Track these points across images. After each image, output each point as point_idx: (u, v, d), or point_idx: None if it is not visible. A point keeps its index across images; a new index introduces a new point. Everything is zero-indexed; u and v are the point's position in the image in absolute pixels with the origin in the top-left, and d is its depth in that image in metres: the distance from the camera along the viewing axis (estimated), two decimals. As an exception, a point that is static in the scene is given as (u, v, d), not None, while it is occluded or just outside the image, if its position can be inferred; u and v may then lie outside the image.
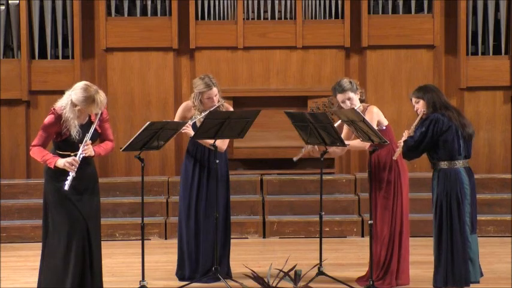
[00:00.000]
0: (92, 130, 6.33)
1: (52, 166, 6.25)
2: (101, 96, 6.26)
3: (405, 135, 6.57)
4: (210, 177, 7.47)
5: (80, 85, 6.29)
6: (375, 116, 7.10)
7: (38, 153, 6.30)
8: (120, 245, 9.10)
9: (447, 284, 6.46)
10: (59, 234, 6.35)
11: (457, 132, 6.45)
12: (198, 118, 7.36)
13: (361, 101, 7.21)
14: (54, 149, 6.40)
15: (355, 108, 7.03)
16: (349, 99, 7.12)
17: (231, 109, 7.53)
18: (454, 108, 6.55)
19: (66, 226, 6.32)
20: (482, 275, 6.58)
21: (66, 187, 6.16)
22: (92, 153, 6.35)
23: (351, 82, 7.15)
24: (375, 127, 6.91)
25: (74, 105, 6.26)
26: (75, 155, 6.26)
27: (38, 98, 10.49)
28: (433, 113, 6.47)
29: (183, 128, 7.22)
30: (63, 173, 6.24)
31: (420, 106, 6.56)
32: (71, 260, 6.32)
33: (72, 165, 6.21)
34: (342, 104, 7.15)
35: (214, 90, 7.38)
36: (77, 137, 6.30)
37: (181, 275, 7.52)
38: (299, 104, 10.47)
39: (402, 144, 6.56)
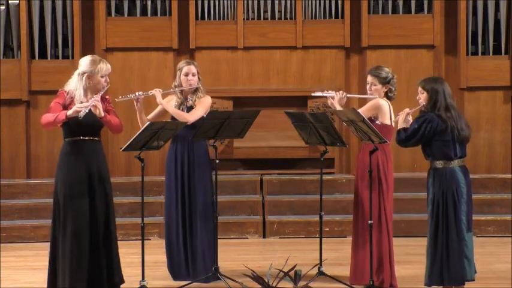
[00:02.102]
0: (100, 93, 6.43)
1: (64, 116, 6.33)
2: (107, 63, 6.54)
3: (403, 114, 6.56)
4: (192, 175, 7.48)
5: (85, 57, 6.61)
6: (373, 107, 7.07)
7: (48, 116, 6.41)
8: (120, 245, 9.04)
9: (443, 283, 6.46)
10: (67, 232, 6.39)
11: (453, 135, 6.43)
12: (174, 90, 7.50)
13: (389, 97, 7.19)
14: (65, 136, 6.49)
15: (371, 97, 7.10)
16: (373, 85, 7.15)
17: (208, 98, 7.57)
18: (454, 109, 6.51)
19: (73, 224, 6.37)
20: (476, 271, 6.59)
21: (82, 113, 6.27)
22: (102, 113, 6.41)
23: (387, 73, 7.16)
24: (366, 116, 6.93)
25: (81, 74, 6.46)
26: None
27: (38, 98, 10.49)
28: (431, 111, 6.45)
29: (152, 91, 7.39)
30: (75, 163, 6.40)
31: (423, 98, 6.54)
32: (80, 257, 6.37)
33: (83, 106, 6.32)
34: (367, 85, 7.19)
35: (192, 67, 7.51)
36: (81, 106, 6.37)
37: (172, 274, 7.53)
38: (299, 104, 10.47)
39: (399, 121, 6.59)
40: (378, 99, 7.12)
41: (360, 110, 6.96)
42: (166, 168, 7.59)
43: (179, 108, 7.49)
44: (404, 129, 6.52)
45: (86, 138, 6.47)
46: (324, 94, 7.23)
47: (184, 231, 7.49)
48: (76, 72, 6.52)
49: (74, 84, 6.48)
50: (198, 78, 7.53)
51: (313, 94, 7.36)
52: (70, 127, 6.45)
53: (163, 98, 7.48)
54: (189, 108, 7.48)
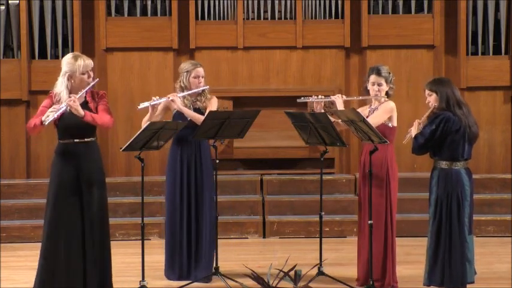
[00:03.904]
0: (83, 92, 6.39)
1: (39, 122, 6.30)
2: (86, 59, 6.46)
3: (415, 125, 6.55)
4: (199, 176, 7.48)
5: (65, 56, 6.57)
6: (389, 110, 7.06)
7: (29, 122, 6.42)
8: (120, 245, 9.10)
9: (443, 284, 6.46)
10: (55, 232, 6.39)
11: (464, 135, 6.42)
12: (185, 94, 7.46)
13: (389, 95, 7.20)
14: (58, 138, 6.49)
15: (378, 97, 7.07)
16: (379, 84, 7.12)
17: (215, 99, 7.60)
18: (465, 105, 6.50)
19: (61, 223, 6.38)
20: (475, 273, 6.60)
21: (47, 120, 6.24)
22: (81, 112, 6.32)
23: (389, 73, 7.16)
24: (383, 120, 6.93)
25: (63, 74, 6.41)
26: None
27: (38, 98, 10.47)
28: (445, 109, 6.42)
29: (170, 96, 7.33)
30: (66, 164, 6.38)
31: (432, 100, 6.51)
32: (67, 258, 6.36)
33: (52, 109, 6.29)
34: (370, 86, 7.15)
35: (201, 69, 7.52)
36: (69, 110, 6.33)
37: (169, 274, 7.52)
38: (299, 104, 10.43)
39: (412, 133, 6.55)
40: (389, 101, 7.11)
41: (375, 115, 6.98)
42: (169, 169, 7.57)
43: None
44: (421, 133, 6.47)
45: (77, 140, 6.44)
46: (313, 99, 7.20)
47: (189, 232, 7.48)
48: (60, 73, 6.49)
49: (59, 86, 6.44)
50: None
51: (298, 100, 7.30)
52: (59, 130, 6.45)
53: (176, 95, 7.46)
54: (196, 110, 7.47)
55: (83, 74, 6.41)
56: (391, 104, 7.10)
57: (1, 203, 9.78)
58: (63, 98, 6.38)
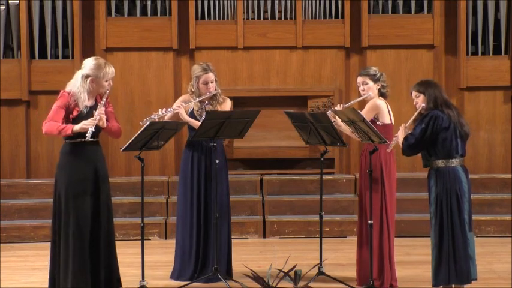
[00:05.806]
0: (103, 102, 6.44)
1: (70, 132, 6.33)
2: (111, 66, 6.57)
3: (402, 129, 6.57)
4: (208, 177, 7.47)
5: (89, 59, 6.59)
6: (373, 108, 7.07)
7: (52, 126, 6.38)
8: (120, 245, 9.06)
9: (450, 282, 6.45)
10: (69, 233, 6.40)
11: (455, 131, 6.45)
12: (195, 102, 7.42)
13: (382, 94, 7.19)
14: (66, 138, 6.47)
15: (365, 96, 7.08)
16: (364, 84, 7.14)
17: (228, 101, 7.57)
18: (454, 106, 6.55)
19: (75, 224, 6.39)
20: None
21: (89, 135, 6.31)
22: (105, 124, 6.44)
23: (375, 71, 7.17)
24: (368, 118, 6.92)
25: (85, 77, 6.45)
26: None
27: (38, 98, 10.49)
28: (433, 109, 6.46)
29: (175, 107, 7.33)
30: (77, 163, 6.41)
31: (420, 101, 6.54)
32: (83, 258, 6.38)
33: (90, 123, 6.33)
34: (358, 87, 7.18)
35: (211, 75, 7.44)
36: (85, 112, 6.39)
37: (178, 275, 7.51)
38: (299, 104, 10.47)
39: (398, 138, 6.56)
40: (375, 99, 7.12)
41: None
42: (182, 170, 7.57)
43: (197, 112, 7.47)
44: (411, 133, 6.48)
45: (87, 139, 6.47)
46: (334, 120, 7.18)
47: (199, 233, 7.47)
48: (79, 73, 6.49)
49: (78, 87, 6.45)
50: (215, 80, 7.50)
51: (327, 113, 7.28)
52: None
53: (181, 105, 7.43)
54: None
55: (106, 81, 6.49)
56: (376, 102, 7.10)
57: (1, 203, 9.77)
58: (81, 101, 6.41)
